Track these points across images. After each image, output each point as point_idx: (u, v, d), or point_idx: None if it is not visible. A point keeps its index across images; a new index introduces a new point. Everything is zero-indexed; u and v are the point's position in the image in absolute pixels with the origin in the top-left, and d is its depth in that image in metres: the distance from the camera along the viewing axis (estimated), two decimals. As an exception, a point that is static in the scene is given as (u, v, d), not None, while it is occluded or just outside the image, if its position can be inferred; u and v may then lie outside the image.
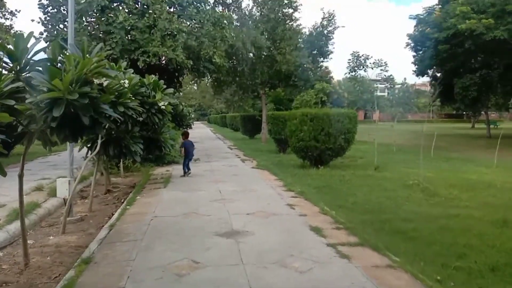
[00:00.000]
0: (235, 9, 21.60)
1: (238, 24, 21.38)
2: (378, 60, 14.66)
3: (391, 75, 14.71)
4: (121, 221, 6.47)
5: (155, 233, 5.77)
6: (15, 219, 6.49)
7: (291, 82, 24.89)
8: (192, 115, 25.75)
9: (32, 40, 4.42)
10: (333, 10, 25.11)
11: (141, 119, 7.83)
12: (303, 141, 13.06)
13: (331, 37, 25.22)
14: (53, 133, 4.39)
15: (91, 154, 7.52)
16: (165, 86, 8.51)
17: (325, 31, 24.98)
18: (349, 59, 14.60)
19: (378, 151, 19.00)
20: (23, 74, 4.32)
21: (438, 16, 21.65)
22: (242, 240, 5.33)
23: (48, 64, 4.41)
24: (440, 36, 20.54)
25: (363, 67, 14.54)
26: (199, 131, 39.56)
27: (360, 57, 14.47)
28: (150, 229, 5.95)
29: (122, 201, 8.74)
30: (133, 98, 7.24)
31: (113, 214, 7.47)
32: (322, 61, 25.72)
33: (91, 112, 4.22)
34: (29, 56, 4.35)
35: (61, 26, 12.53)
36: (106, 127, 5.38)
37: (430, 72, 30.34)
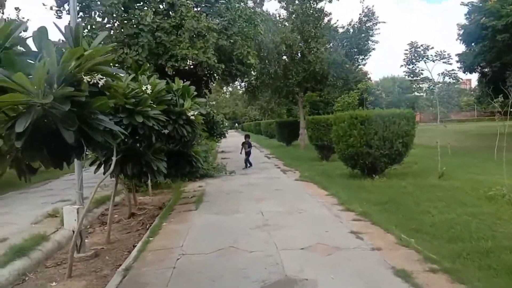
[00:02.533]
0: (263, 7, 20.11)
1: (266, 24, 19.95)
2: (441, 51, 12.56)
3: (453, 69, 12.62)
4: (139, 262, 5.03)
5: (183, 282, 4.29)
6: (12, 259, 5.24)
7: (328, 82, 23.10)
8: (226, 124, 24.41)
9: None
10: (373, 6, 23.23)
11: (166, 131, 6.47)
12: (353, 147, 11.34)
13: (371, 33, 23.30)
14: (25, 156, 3.02)
15: (104, 174, 6.18)
16: (195, 93, 7.13)
17: (364, 27, 23.06)
18: (406, 50, 12.62)
19: (431, 154, 16.92)
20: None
21: (494, 3, 19.26)
22: (303, 297, 3.76)
23: (21, 56, 3.07)
24: (498, 24, 18.14)
25: (423, 59, 12.47)
26: (233, 140, 38.09)
27: (419, 47, 12.43)
28: (175, 276, 4.47)
29: (147, 226, 7.38)
30: (155, 106, 5.90)
31: (134, 247, 6.10)
32: (363, 59, 23.76)
33: (75, 124, 2.80)
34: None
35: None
36: (108, 144, 3.95)
37: (478, 68, 27.69)
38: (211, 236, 5.95)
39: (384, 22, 23.24)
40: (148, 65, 6.97)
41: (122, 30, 10.86)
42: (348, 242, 5.38)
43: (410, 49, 11.94)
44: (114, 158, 6.01)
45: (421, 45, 11.77)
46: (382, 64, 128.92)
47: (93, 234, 7.29)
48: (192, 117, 6.52)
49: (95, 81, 3.05)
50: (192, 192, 10.15)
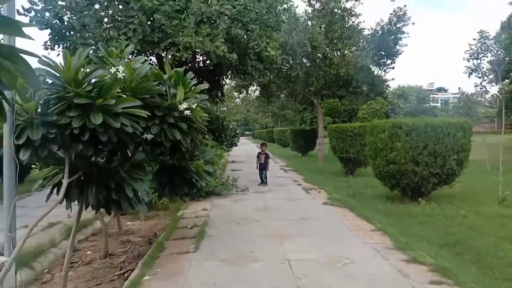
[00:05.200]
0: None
1: (288, 22, 17.83)
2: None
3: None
4: None
5: None
6: None
7: (351, 88, 20.89)
8: (238, 131, 22.27)
9: None
10: (405, 6, 20.80)
11: (150, 136, 4.28)
12: (395, 163, 9.12)
13: (400, 36, 21.01)
14: None
15: (47, 201, 4.04)
16: (194, 81, 4.96)
17: (394, 29, 20.80)
18: (474, 39, 10.20)
19: (470, 170, 14.44)
20: None
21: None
22: None
23: None
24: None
25: (494, 51, 10.10)
26: (244, 148, 35.96)
27: (491, 39, 10.03)
28: None
29: (126, 274, 5.24)
30: (125, 96, 3.80)
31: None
32: (390, 64, 21.43)
33: None
34: None
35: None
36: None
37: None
38: (213, 311, 3.74)
39: (413, 23, 20.73)
40: (129, 45, 4.83)
41: (111, 12, 8.84)
42: None
43: (479, 39, 9.69)
44: (65, 181, 3.91)
45: (493, 36, 9.51)
46: (395, 73, 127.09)
47: (49, 285, 5.14)
48: (187, 112, 4.27)
49: None
50: (193, 218, 7.89)
